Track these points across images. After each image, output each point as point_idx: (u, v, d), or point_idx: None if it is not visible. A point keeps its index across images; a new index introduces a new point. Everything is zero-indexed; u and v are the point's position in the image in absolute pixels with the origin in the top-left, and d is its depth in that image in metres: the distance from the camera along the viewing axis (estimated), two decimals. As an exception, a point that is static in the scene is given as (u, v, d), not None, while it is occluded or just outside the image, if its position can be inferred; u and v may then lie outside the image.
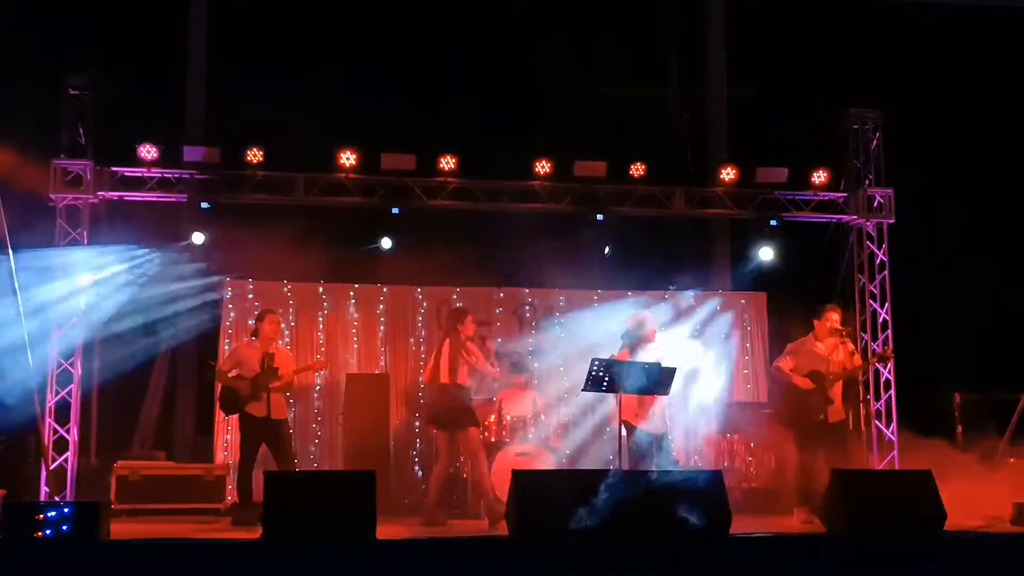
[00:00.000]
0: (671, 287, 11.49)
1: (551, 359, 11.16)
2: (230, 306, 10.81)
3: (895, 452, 10.51)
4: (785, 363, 8.77)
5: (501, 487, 8.95)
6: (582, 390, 8.42)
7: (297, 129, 10.22)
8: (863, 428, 10.61)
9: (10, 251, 8.45)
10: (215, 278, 10.59)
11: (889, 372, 10.60)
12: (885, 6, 12.40)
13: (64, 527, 6.14)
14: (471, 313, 8.97)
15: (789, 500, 8.71)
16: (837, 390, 8.74)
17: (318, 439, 10.76)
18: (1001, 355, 10.87)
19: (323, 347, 10.92)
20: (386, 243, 10.55)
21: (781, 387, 8.94)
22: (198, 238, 10.11)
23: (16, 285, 8.49)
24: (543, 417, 9.98)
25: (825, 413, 8.62)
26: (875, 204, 10.76)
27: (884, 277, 10.81)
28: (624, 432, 7.98)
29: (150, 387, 11.14)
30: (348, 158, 10.14)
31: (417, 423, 10.83)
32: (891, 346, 10.39)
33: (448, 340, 8.63)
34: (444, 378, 8.51)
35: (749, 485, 10.40)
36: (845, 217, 10.87)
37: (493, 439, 9.69)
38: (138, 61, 10.93)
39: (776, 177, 10.61)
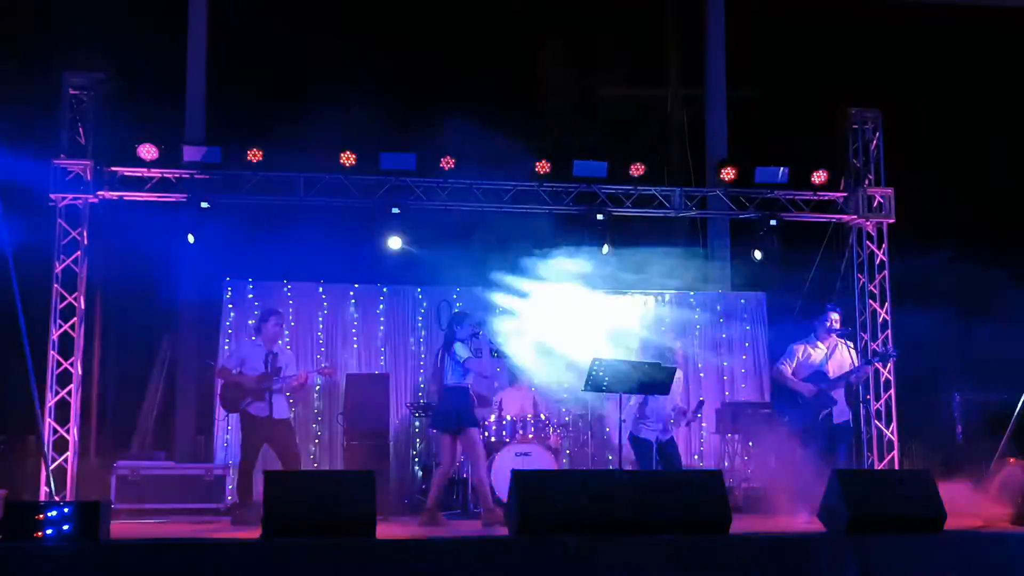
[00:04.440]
0: (671, 287, 11.50)
1: (551, 359, 11.15)
2: (230, 306, 10.81)
3: (895, 452, 10.51)
4: (786, 367, 8.79)
5: (501, 487, 8.97)
6: (582, 390, 8.45)
7: (297, 129, 10.22)
8: (863, 428, 10.61)
9: (10, 251, 8.44)
10: None
11: (889, 372, 10.60)
12: (885, 6, 12.40)
13: (64, 527, 6.13)
14: (471, 313, 8.98)
15: (789, 500, 8.70)
16: (840, 390, 8.76)
17: (318, 439, 10.76)
18: (1001, 355, 10.87)
19: (323, 347, 10.93)
20: (395, 243, 10.47)
21: (784, 388, 8.95)
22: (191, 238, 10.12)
23: (15, 285, 8.48)
24: (543, 417, 9.98)
25: (829, 413, 8.63)
26: (875, 204, 10.76)
27: (884, 277, 10.81)
28: (624, 434, 8.00)
29: (150, 387, 11.15)
30: (348, 158, 10.13)
31: (417, 423, 10.83)
32: (891, 345, 10.39)
33: (444, 343, 8.68)
34: (443, 381, 8.56)
35: (749, 485, 10.41)
36: (845, 217, 10.87)
37: (493, 439, 9.69)
38: (138, 61, 10.93)
39: (776, 177, 10.61)
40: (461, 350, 8.44)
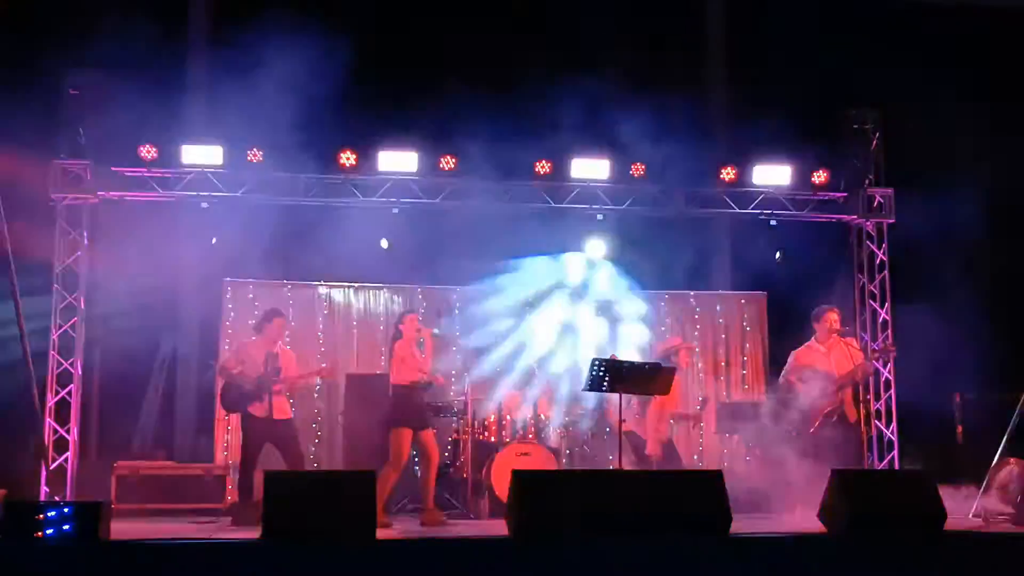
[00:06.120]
0: (671, 287, 11.51)
1: (551, 359, 11.15)
2: (230, 306, 10.81)
3: (895, 452, 10.51)
4: (794, 378, 8.78)
5: (501, 487, 8.96)
6: (582, 390, 8.45)
7: (297, 129, 10.21)
8: (863, 428, 10.61)
9: (10, 253, 8.43)
10: None
11: (889, 372, 10.60)
12: (885, 6, 12.39)
13: (65, 527, 6.13)
14: (414, 311, 9.02)
15: (789, 500, 8.71)
16: (846, 390, 8.78)
17: (318, 439, 10.76)
18: (1001, 355, 10.87)
19: (323, 347, 10.92)
20: (384, 243, 10.50)
21: (789, 392, 8.95)
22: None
23: (16, 288, 8.48)
24: (543, 417, 9.97)
25: (836, 414, 8.65)
26: (875, 204, 10.76)
27: (884, 277, 10.81)
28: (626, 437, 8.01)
29: (150, 387, 11.14)
30: (348, 158, 10.13)
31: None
32: (891, 345, 10.39)
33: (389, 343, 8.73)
34: (390, 380, 8.60)
35: (749, 485, 10.39)
36: (845, 217, 10.86)
37: (493, 439, 9.69)
38: (138, 61, 10.92)
39: (776, 177, 10.61)
40: (401, 348, 8.47)
